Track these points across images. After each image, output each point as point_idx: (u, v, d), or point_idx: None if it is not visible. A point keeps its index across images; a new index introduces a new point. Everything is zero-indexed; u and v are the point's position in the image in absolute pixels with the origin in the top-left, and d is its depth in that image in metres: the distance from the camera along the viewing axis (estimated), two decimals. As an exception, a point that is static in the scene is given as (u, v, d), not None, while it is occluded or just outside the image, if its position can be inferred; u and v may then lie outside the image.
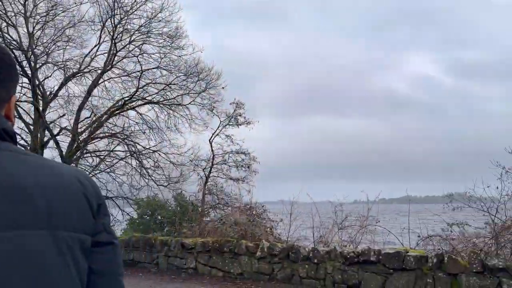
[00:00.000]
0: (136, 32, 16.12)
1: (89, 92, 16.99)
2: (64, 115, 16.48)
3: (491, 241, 7.76)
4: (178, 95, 16.32)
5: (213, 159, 16.90)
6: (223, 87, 16.31)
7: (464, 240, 8.49)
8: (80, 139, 16.22)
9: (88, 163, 17.16)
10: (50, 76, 17.10)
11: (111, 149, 16.28)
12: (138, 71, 15.20)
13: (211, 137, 16.66)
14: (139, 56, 15.98)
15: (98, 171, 17.01)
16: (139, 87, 15.20)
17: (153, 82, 15.46)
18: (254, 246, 9.94)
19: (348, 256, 8.47)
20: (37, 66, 16.60)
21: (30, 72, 15.35)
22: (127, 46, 16.47)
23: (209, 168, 16.96)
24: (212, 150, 16.83)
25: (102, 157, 16.51)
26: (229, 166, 17.43)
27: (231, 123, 16.68)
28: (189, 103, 16.48)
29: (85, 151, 16.24)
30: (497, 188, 8.73)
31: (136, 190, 15.59)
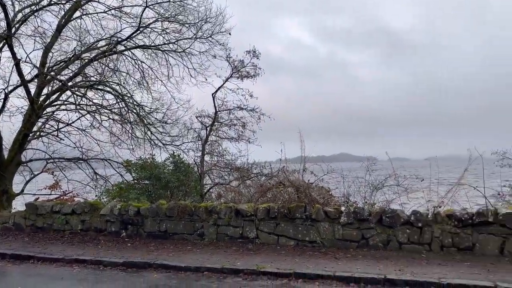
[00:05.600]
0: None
1: (58, 30, 13.60)
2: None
3: None
4: (177, 39, 13.88)
5: (215, 115, 15.03)
6: (229, 33, 14.27)
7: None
8: (55, 86, 13.05)
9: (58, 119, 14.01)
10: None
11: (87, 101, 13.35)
12: (140, 5, 12.42)
13: (216, 91, 14.68)
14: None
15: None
16: (141, 26, 12.47)
17: (160, 19, 12.77)
18: (335, 211, 8.91)
19: (463, 218, 7.96)
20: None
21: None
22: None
23: (209, 126, 15.10)
24: (215, 106, 14.91)
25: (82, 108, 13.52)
26: (222, 124, 15.76)
27: (236, 76, 14.87)
28: (188, 48, 14.09)
29: (63, 101, 13.13)
30: None
31: (132, 150, 13.13)
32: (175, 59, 13.98)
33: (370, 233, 8.58)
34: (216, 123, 15.26)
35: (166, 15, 13.59)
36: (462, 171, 10.28)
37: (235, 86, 14.54)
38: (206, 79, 14.48)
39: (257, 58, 13.93)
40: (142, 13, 12.46)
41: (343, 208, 8.92)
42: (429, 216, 8.29)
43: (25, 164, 14.14)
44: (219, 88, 14.61)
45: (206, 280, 7.15)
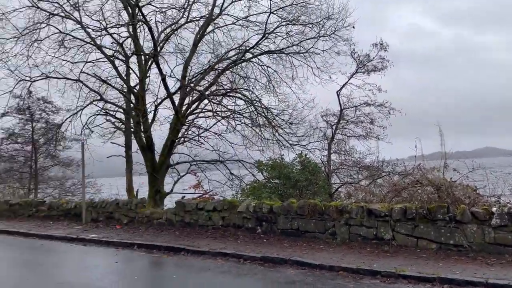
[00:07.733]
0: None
1: (195, 45, 15.05)
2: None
3: None
4: (300, 41, 14.08)
5: (340, 113, 14.88)
6: (353, 27, 13.92)
7: None
8: (194, 96, 14.47)
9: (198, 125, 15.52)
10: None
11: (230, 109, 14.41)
12: (265, 12, 13.00)
13: (340, 88, 14.57)
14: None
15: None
16: (266, 32, 13.03)
17: (283, 23, 13.19)
18: (484, 212, 7.98)
19: None
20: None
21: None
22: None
23: (335, 125, 15.00)
24: (340, 104, 14.79)
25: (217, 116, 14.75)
26: (349, 121, 15.42)
27: (361, 71, 14.47)
28: (311, 47, 14.14)
29: (202, 109, 14.52)
30: None
31: (262, 151, 13.80)
32: (298, 60, 14.27)
33: (531, 238, 7.45)
34: (341, 121, 15.13)
35: (289, 18, 13.96)
36: None
37: (361, 81, 14.28)
38: (330, 77, 14.40)
39: (385, 51, 13.41)
40: (267, 19, 13.01)
41: (494, 209, 7.94)
42: None
43: (173, 167, 16.01)
44: (344, 85, 14.49)
45: (341, 279, 7.11)
